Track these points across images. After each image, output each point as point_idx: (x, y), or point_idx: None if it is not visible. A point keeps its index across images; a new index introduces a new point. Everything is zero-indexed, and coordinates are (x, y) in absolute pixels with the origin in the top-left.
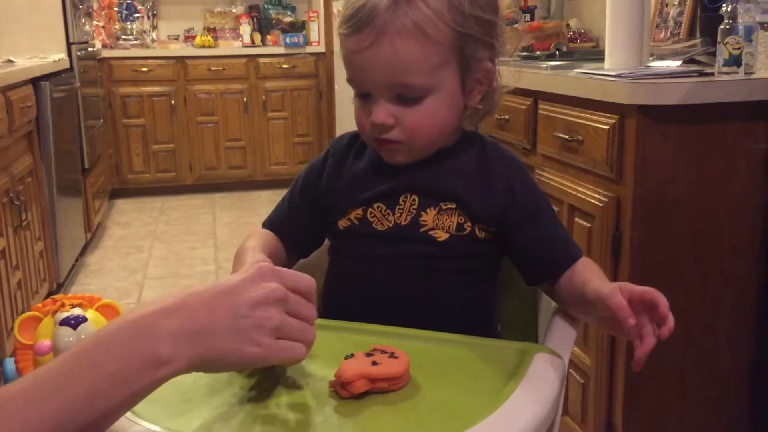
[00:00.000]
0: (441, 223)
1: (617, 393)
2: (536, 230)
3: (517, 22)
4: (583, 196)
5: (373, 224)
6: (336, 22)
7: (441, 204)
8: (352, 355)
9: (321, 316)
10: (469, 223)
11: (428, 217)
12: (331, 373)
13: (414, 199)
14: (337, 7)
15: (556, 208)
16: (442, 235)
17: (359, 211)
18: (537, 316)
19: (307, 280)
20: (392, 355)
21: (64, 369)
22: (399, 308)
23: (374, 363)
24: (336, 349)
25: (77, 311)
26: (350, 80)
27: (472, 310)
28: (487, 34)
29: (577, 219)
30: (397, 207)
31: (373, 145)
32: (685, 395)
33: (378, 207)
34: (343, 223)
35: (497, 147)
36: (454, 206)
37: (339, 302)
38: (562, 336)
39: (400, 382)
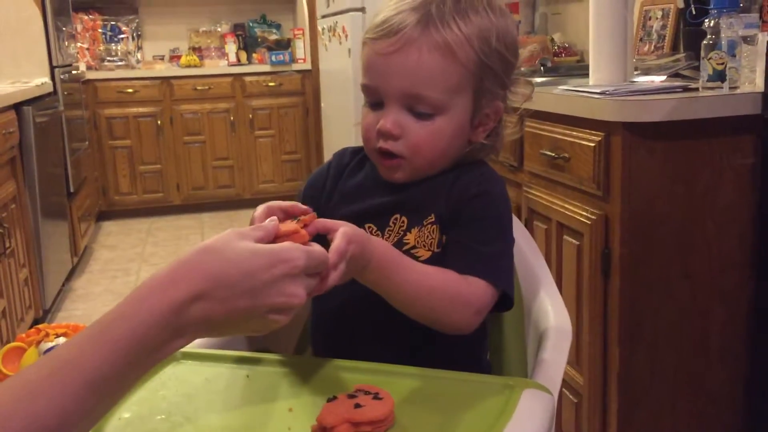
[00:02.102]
0: (423, 241)
1: (611, 411)
2: (459, 235)
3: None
4: (571, 214)
5: None
6: (320, 39)
7: (423, 220)
8: (335, 397)
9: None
10: (446, 237)
11: (411, 235)
12: (313, 417)
13: (404, 221)
14: (322, 25)
15: (543, 226)
16: (424, 254)
17: None
18: (525, 345)
19: (324, 264)
20: (376, 396)
21: (85, 338)
22: (386, 334)
23: (357, 405)
24: (318, 390)
25: (62, 341)
26: (365, 87)
27: (460, 338)
28: (505, 73)
29: (565, 237)
30: (387, 228)
31: (374, 158)
32: (678, 412)
33: (369, 228)
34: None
35: (482, 163)
36: (433, 219)
37: (325, 326)
38: (550, 369)
39: (384, 424)
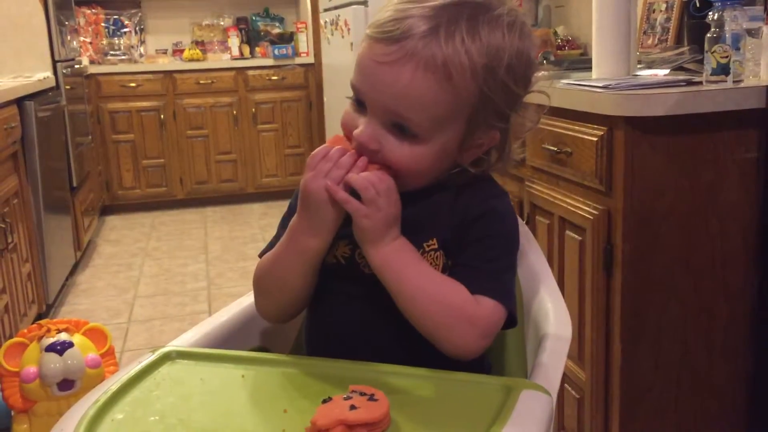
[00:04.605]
0: None
1: (613, 407)
2: (464, 257)
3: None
4: (573, 209)
5: (361, 266)
6: (323, 32)
7: (424, 245)
8: (330, 398)
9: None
10: (449, 262)
11: None
12: (307, 419)
13: None
14: (325, 18)
15: (546, 221)
16: None
17: (347, 250)
18: (525, 344)
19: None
20: (371, 398)
21: None
22: (385, 346)
23: (352, 407)
24: (313, 391)
25: (63, 336)
26: (353, 85)
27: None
28: (509, 106)
29: (567, 232)
30: None
31: None
32: (681, 408)
33: None
34: (329, 259)
35: (483, 178)
36: (435, 245)
37: (321, 337)
38: (549, 369)
39: (379, 426)
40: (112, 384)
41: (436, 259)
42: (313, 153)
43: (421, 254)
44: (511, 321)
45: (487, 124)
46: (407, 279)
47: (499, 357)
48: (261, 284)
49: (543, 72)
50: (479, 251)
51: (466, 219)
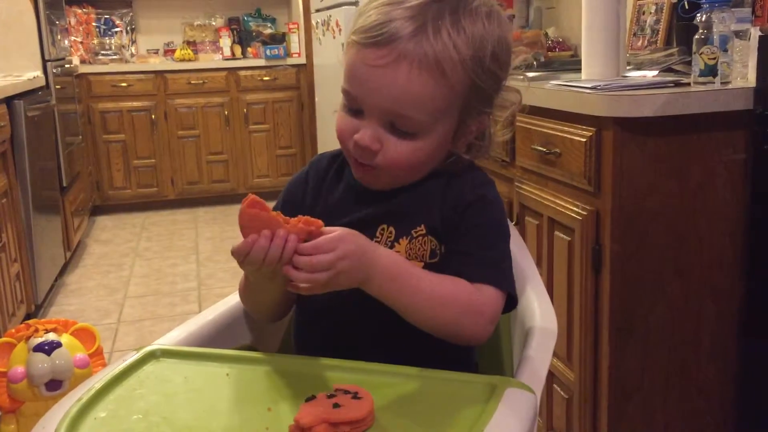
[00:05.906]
0: (414, 252)
1: (601, 407)
2: (460, 244)
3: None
4: (562, 210)
5: None
6: (314, 33)
7: (412, 231)
8: (313, 396)
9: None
10: (441, 247)
11: (401, 247)
12: (291, 417)
13: (391, 231)
14: (316, 19)
15: (535, 222)
16: (416, 265)
17: None
18: (511, 342)
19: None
20: (355, 396)
21: None
22: (372, 341)
23: (336, 405)
24: (298, 389)
25: (51, 336)
26: (346, 92)
27: (449, 344)
28: (495, 90)
29: (556, 233)
30: (374, 239)
31: (350, 161)
32: (669, 408)
33: None
34: None
35: (471, 168)
36: (424, 231)
37: (308, 334)
38: (534, 367)
39: (363, 425)
40: (96, 382)
41: (424, 244)
42: (236, 250)
43: (410, 240)
44: (513, 302)
45: (477, 111)
46: (407, 295)
47: (486, 354)
48: (242, 298)
49: (519, 50)
50: (475, 239)
51: (458, 205)
